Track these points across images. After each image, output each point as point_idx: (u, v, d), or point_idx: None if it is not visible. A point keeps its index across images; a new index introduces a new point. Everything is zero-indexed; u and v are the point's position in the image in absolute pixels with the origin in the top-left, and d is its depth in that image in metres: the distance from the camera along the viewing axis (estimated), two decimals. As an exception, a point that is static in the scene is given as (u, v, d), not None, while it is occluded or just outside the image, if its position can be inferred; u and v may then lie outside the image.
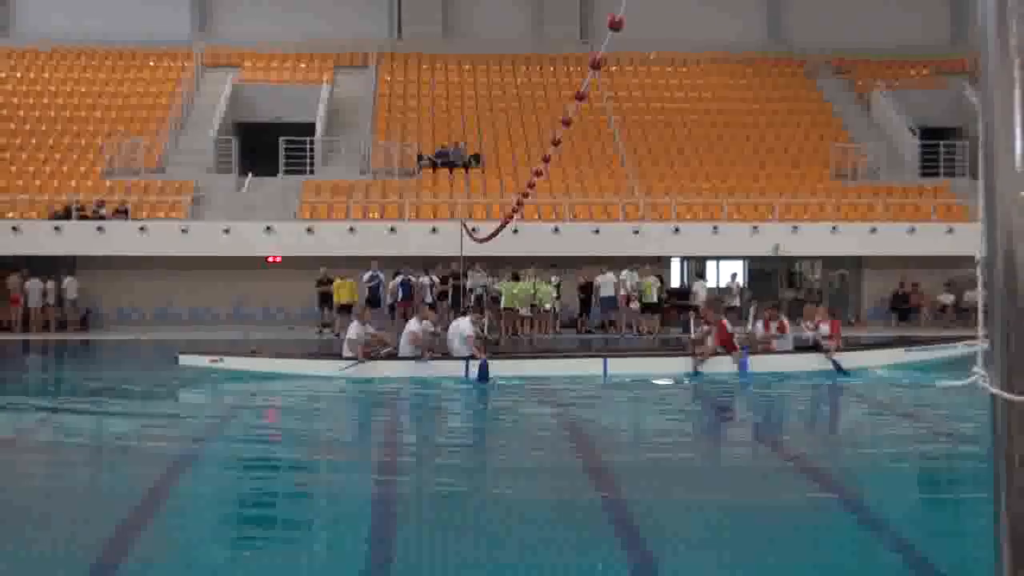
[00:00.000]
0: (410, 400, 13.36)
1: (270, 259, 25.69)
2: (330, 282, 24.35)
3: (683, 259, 28.70)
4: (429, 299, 23.89)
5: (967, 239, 23.18)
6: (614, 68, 34.24)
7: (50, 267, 25.16)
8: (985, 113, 2.24)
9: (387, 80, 34.69)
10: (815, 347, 15.48)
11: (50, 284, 24.90)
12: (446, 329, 15.22)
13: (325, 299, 24.41)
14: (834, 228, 26.37)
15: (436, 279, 24.42)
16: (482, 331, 15.59)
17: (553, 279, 24.78)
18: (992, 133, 2.22)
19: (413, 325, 14.80)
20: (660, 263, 26.73)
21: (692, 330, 16.05)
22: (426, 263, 24.57)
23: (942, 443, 10.22)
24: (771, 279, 29.61)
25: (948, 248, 25.04)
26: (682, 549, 6.17)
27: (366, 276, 23.92)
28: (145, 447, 9.75)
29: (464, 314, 15.54)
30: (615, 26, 7.13)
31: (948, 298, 26.47)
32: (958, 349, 15.82)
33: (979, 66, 2.26)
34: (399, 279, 24.02)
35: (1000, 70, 2.19)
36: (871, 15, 37.20)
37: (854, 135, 32.32)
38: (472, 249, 22.09)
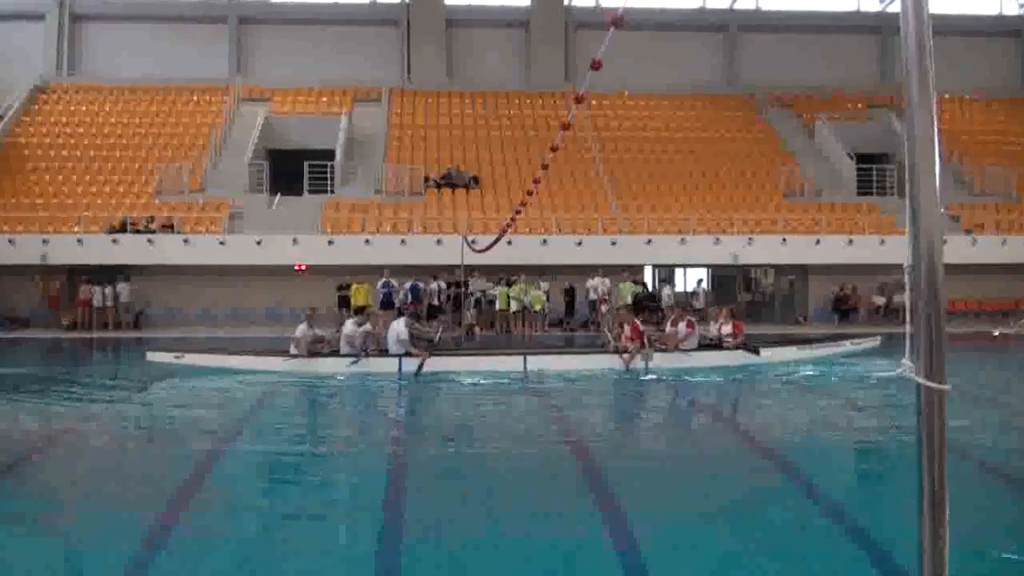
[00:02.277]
0: (337, 391, 13.10)
1: (297, 267, 25.69)
2: (349, 287, 24.33)
3: (655, 267, 28.73)
4: (436, 302, 23.97)
5: (896, 249, 23.28)
6: (594, 103, 34.27)
7: (109, 275, 25.16)
8: (910, 141, 2.25)
9: (398, 113, 34.68)
10: (718, 345, 15.22)
11: (108, 289, 24.87)
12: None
13: (344, 302, 24.39)
14: (784, 240, 26.41)
15: (444, 285, 24.39)
16: (432, 329, 15.21)
17: (543, 284, 24.80)
18: (916, 158, 2.24)
19: (348, 328, 14.39)
20: (638, 271, 26.77)
21: (609, 330, 15.74)
22: (431, 272, 24.57)
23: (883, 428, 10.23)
24: (730, 284, 29.67)
25: (880, 257, 25.12)
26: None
27: (380, 283, 23.92)
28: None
29: (400, 315, 15.24)
30: (595, 67, 7.13)
31: (881, 300, 26.53)
32: (844, 347, 15.76)
33: (904, 100, 2.27)
34: (408, 284, 24.05)
35: (921, 104, 2.20)
36: (811, 57, 37.49)
37: (799, 160, 32.39)
38: (472, 259, 22.10)
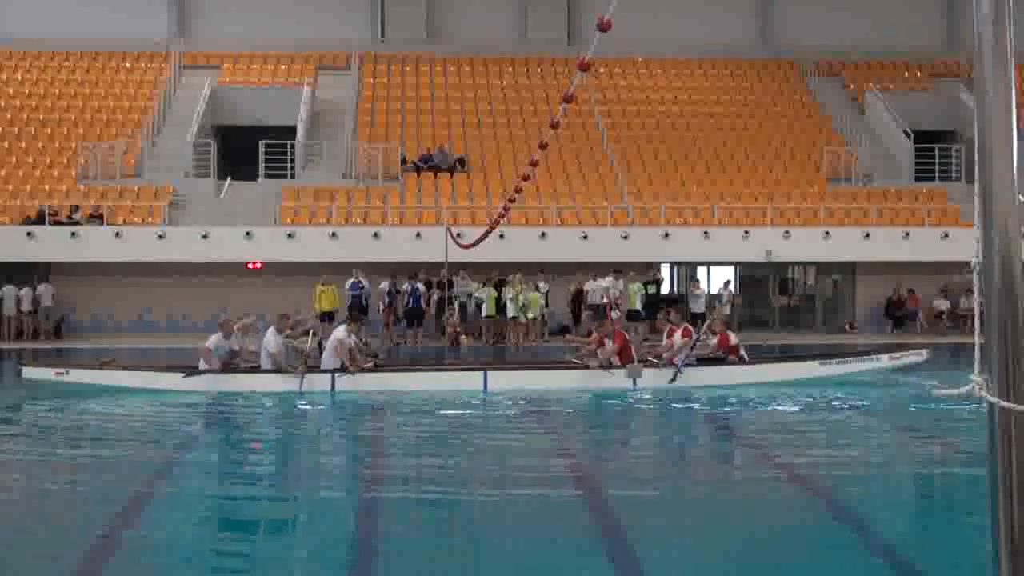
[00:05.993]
0: (248, 415, 13.05)
1: (250, 266, 25.62)
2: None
3: (673, 265, 28.72)
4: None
5: (963, 244, 23.31)
6: (602, 70, 34.24)
7: (26, 274, 25.05)
8: (981, 116, 2.23)
9: (370, 82, 34.64)
10: (720, 360, 15.05)
11: (25, 291, 24.76)
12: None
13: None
14: (827, 233, 26.42)
15: (422, 286, 24.30)
16: (361, 341, 15.16)
17: (541, 285, 24.75)
18: (988, 136, 2.22)
19: (269, 340, 14.30)
20: (652, 269, 26.76)
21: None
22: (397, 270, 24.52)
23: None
24: (763, 286, 29.66)
25: (943, 253, 25.15)
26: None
27: (349, 283, 23.86)
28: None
29: (343, 323, 15.20)
30: (604, 28, 7.10)
31: (944, 304, 26.56)
32: (882, 362, 15.54)
33: (973, 68, 2.25)
34: (385, 285, 24.00)
35: (995, 72, 2.18)
36: (863, 16, 37.36)
37: (846, 138, 32.42)
38: (458, 255, 22.07)
